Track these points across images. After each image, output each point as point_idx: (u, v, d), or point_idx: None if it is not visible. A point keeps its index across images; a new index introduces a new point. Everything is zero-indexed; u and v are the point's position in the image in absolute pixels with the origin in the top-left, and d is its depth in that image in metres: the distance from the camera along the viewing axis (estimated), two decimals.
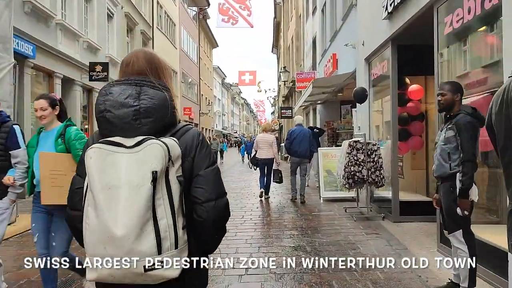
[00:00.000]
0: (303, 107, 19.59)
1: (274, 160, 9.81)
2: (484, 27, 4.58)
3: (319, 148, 10.00)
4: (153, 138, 1.40)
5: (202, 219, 1.47)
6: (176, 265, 1.39)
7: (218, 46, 53.09)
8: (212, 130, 48.96)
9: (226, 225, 1.60)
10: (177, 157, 1.43)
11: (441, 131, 3.69)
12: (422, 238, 5.86)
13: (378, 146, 7.27)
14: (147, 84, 1.51)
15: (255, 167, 10.14)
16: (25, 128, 10.40)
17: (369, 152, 7.25)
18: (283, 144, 31.81)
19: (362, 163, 7.19)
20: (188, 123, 1.66)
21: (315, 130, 12.48)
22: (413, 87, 7.20)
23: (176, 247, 1.39)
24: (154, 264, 1.34)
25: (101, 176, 1.36)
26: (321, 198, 9.46)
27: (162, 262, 1.35)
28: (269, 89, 48.46)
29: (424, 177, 7.75)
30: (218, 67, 61.82)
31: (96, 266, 1.38)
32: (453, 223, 3.44)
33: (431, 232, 6.10)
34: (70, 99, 13.56)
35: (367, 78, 8.55)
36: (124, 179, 1.34)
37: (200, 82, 41.60)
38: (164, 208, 1.37)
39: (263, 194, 9.87)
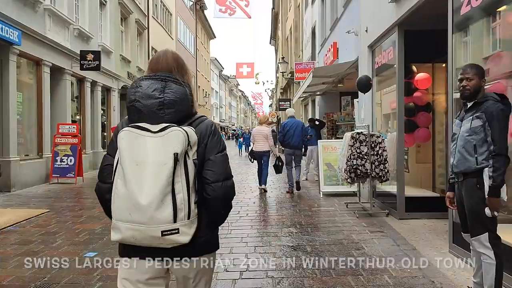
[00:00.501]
0: (302, 98, 19.13)
1: (271, 152, 9.74)
2: (506, 7, 4.12)
3: (319, 141, 9.56)
4: (175, 126, 1.69)
5: (211, 197, 1.77)
6: (187, 233, 1.68)
7: (215, 37, 52.46)
8: None
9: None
10: (194, 142, 1.73)
11: (461, 121, 3.24)
12: (431, 237, 5.44)
13: (383, 138, 6.83)
14: (171, 80, 1.80)
15: (252, 160, 10.28)
16: (11, 118, 9.92)
17: (373, 145, 6.81)
18: None
19: (365, 156, 6.76)
20: (202, 114, 1.89)
21: (316, 122, 12.06)
22: (421, 75, 6.76)
23: (188, 218, 1.68)
24: (169, 230, 1.63)
25: (131, 153, 1.65)
26: (321, 193, 9.04)
27: (176, 229, 1.65)
28: (267, 81, 48.08)
29: (430, 171, 7.32)
30: (216, 58, 61.18)
31: (121, 229, 1.68)
32: (478, 225, 3.00)
33: (440, 231, 5.69)
34: (59, 88, 13.05)
35: (371, 67, 8.09)
36: (150, 157, 1.63)
37: (197, 73, 41.01)
38: (181, 184, 1.65)
39: (263, 190, 9.79)
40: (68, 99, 13.47)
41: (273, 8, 38.64)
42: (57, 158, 11.67)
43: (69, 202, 8.65)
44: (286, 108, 25.48)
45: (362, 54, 8.64)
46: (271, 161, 10.11)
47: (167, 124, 1.69)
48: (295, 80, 18.61)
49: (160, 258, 1.76)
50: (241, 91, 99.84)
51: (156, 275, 1.81)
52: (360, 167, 6.75)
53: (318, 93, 15.61)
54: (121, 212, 1.67)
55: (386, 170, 6.75)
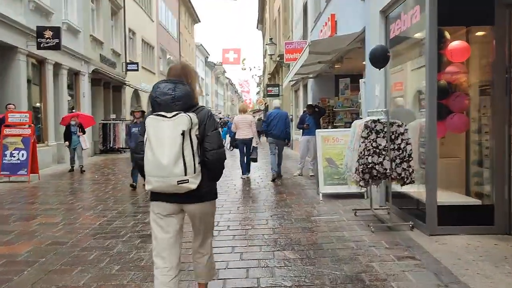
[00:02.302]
0: (293, 82, 17.40)
1: (254, 138, 10.12)
2: None
3: (317, 131, 7.88)
4: (183, 113, 2.60)
5: (209, 160, 2.70)
6: (194, 182, 2.61)
7: (200, 21, 50.28)
8: None
9: None
10: (195, 123, 2.64)
11: None
12: (487, 268, 3.83)
13: (406, 128, 5.19)
14: (179, 82, 2.72)
15: (231, 148, 10.98)
16: None
17: (393, 136, 5.17)
18: None
19: (383, 152, 5.12)
20: (203, 105, 2.90)
21: (315, 109, 10.43)
22: (456, 44, 5.12)
23: (194, 172, 2.60)
24: (182, 180, 2.55)
25: (155, 132, 2.57)
26: (320, 194, 7.41)
27: (187, 179, 2.57)
28: (254, 67, 46.15)
29: (460, 169, 5.72)
30: (201, 44, 58.93)
31: (152, 182, 2.61)
32: None
33: (497, 256, 4.09)
34: (10, 70, 11.18)
35: (384, 37, 6.43)
36: (167, 134, 2.54)
37: (180, 58, 38.94)
38: (188, 151, 2.58)
39: (245, 176, 10.15)
40: (23, 83, 11.58)
41: None
42: (6, 153, 9.87)
43: (6, 210, 6.90)
44: (274, 95, 23.86)
45: (371, 23, 6.97)
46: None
47: (177, 112, 2.59)
48: (284, 62, 16.87)
49: (175, 203, 2.71)
50: (228, 78, 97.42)
51: (172, 212, 2.76)
52: (376, 166, 5.11)
53: (311, 75, 13.92)
54: (151, 170, 2.59)
55: (411, 170, 5.12)
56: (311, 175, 9.99)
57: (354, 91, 11.65)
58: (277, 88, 23.33)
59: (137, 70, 22.21)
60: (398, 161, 5.15)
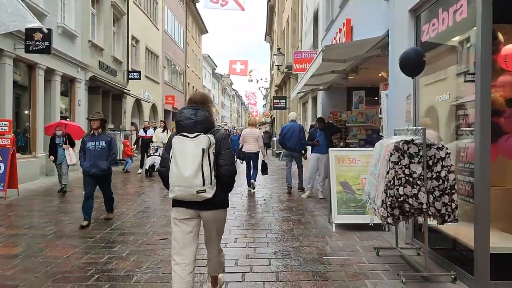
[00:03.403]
0: (302, 93, 16.34)
1: (260, 152, 10.28)
2: None
3: (330, 150, 6.80)
4: (203, 134, 3.12)
5: (222, 174, 3.21)
6: (210, 192, 3.10)
7: (207, 32, 49.56)
8: None
9: None
10: (213, 143, 3.15)
11: None
12: None
13: (448, 151, 4.11)
14: (199, 108, 3.25)
15: (241, 161, 10.41)
16: None
17: (430, 162, 4.10)
18: (275, 138, 28.75)
19: (419, 181, 4.04)
20: (219, 127, 3.48)
21: (326, 124, 9.43)
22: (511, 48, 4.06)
23: (211, 184, 3.09)
24: (201, 190, 3.05)
25: (179, 149, 3.08)
26: (333, 225, 6.30)
27: (204, 190, 3.06)
28: (261, 79, 45.20)
29: None
30: (208, 55, 58.28)
31: (175, 190, 3.11)
32: None
33: None
34: None
35: (414, 41, 5.39)
36: (189, 151, 3.05)
37: (186, 69, 38.16)
38: (206, 166, 3.06)
39: (251, 189, 10.24)
40: (8, 88, 10.63)
41: (268, 0, 35.91)
42: None
43: None
44: (281, 107, 22.87)
45: (396, 25, 5.94)
46: (260, 162, 10.51)
47: (198, 133, 3.12)
48: (293, 73, 15.88)
49: (192, 209, 3.23)
50: (234, 90, 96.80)
51: (190, 217, 3.26)
52: (410, 199, 4.03)
53: (322, 87, 12.89)
54: (175, 181, 3.08)
55: (453, 206, 4.03)
56: (320, 198, 8.91)
57: (369, 106, 10.60)
58: (284, 101, 22.33)
59: (139, 78, 21.33)
60: (437, 193, 4.06)
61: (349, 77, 10.32)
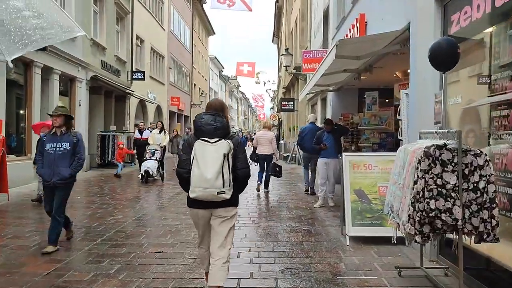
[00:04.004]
0: (312, 94, 15.70)
1: (274, 155, 10.30)
2: None
3: (344, 154, 6.16)
4: (223, 139, 3.34)
5: (239, 175, 3.45)
6: (229, 193, 3.31)
7: (214, 33, 49.05)
8: None
9: None
10: (232, 148, 3.35)
11: None
12: None
13: (487, 159, 3.48)
14: (218, 115, 3.48)
15: (255, 163, 10.33)
16: None
17: (466, 171, 3.48)
18: (282, 141, 28.11)
19: (453, 194, 3.42)
20: (235, 133, 4.12)
21: (335, 126, 8.81)
22: None
23: (229, 186, 3.30)
24: (221, 191, 3.25)
25: (200, 153, 3.28)
26: (347, 237, 5.68)
27: (224, 191, 3.26)
28: (268, 81, 44.61)
29: None
30: (215, 57, 57.79)
31: (196, 191, 3.29)
32: None
33: None
34: None
35: (440, 33, 4.78)
36: (210, 155, 3.26)
37: (192, 70, 37.65)
38: (226, 169, 3.28)
39: (261, 188, 10.42)
40: (1, 86, 10.11)
41: (276, 1, 35.35)
42: None
43: None
44: (288, 109, 22.25)
45: (419, 17, 5.32)
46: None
47: (218, 138, 3.33)
48: (302, 73, 15.26)
49: (208, 208, 3.44)
50: (242, 92, 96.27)
51: (206, 216, 3.50)
52: (442, 214, 3.41)
53: (332, 88, 12.28)
54: (196, 183, 3.27)
55: (494, 222, 3.40)
56: (331, 206, 8.28)
57: (383, 107, 9.97)
58: (292, 103, 21.70)
59: (143, 79, 20.80)
60: (474, 207, 3.44)
61: (362, 77, 9.71)
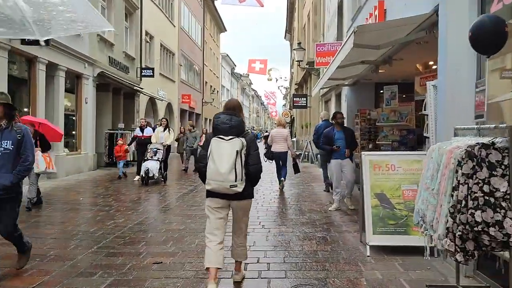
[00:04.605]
0: (326, 89, 15.03)
1: (289, 152, 10.38)
2: None
3: (363, 153, 5.53)
4: (237, 137, 3.71)
5: (250, 171, 3.79)
6: (241, 187, 3.69)
7: (226, 30, 48.54)
8: None
9: None
10: (244, 145, 3.72)
11: None
12: None
13: None
14: (234, 114, 3.88)
15: (270, 161, 10.50)
16: None
17: None
18: (294, 139, 27.47)
19: (504, 203, 2.81)
20: (248, 130, 4.39)
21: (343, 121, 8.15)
22: None
23: (241, 180, 3.68)
24: (233, 185, 3.63)
25: (216, 149, 3.68)
26: (367, 247, 5.07)
27: (236, 184, 3.64)
28: (280, 78, 43.89)
29: None
30: (227, 55, 57.32)
31: (211, 184, 3.69)
32: None
33: None
34: None
35: (477, 14, 4.14)
36: (225, 152, 3.65)
37: (204, 67, 37.19)
38: (239, 164, 3.65)
39: (282, 184, 10.51)
40: (2, 82, 9.70)
41: None
42: None
43: None
44: (301, 106, 21.60)
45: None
46: (289, 160, 10.62)
47: (233, 136, 3.71)
48: (315, 67, 14.63)
49: (224, 199, 3.81)
50: (254, 90, 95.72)
51: (222, 206, 3.87)
52: (491, 228, 2.80)
53: (347, 82, 11.63)
54: (212, 176, 3.66)
55: None
56: (350, 209, 7.67)
57: (403, 102, 9.31)
58: (305, 99, 21.05)
59: (152, 76, 20.36)
60: None
61: (380, 70, 9.03)
